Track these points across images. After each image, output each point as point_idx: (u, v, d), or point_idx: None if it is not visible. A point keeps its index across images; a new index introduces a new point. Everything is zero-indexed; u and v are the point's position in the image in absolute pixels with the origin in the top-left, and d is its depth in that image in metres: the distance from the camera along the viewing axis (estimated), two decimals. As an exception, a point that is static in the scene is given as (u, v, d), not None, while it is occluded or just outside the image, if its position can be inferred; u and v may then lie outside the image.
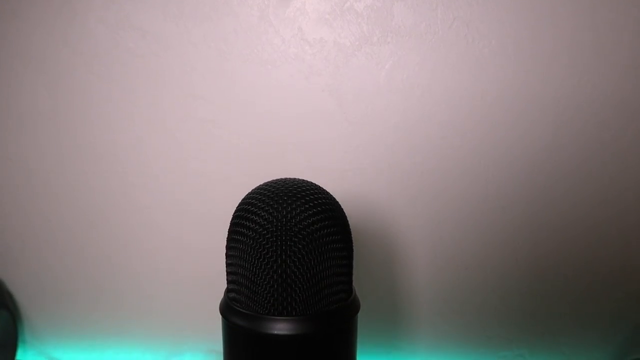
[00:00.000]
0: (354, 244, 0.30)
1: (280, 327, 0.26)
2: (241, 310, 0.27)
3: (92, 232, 0.58)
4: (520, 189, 0.54)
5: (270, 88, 0.53)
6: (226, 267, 0.29)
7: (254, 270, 0.26)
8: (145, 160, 0.56)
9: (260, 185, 0.29)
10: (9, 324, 0.57)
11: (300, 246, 0.26)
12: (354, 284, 0.31)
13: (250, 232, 0.27)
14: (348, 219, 0.31)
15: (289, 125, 0.54)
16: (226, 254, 0.29)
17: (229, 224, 0.28)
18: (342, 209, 0.29)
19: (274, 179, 0.29)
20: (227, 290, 0.30)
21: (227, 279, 0.29)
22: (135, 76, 0.54)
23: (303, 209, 0.27)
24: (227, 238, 0.29)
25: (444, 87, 0.52)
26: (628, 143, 0.52)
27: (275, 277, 0.26)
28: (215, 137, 0.54)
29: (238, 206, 0.28)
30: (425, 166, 0.53)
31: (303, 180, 0.29)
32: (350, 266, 0.30)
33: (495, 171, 0.53)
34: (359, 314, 0.30)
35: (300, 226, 0.26)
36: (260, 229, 0.26)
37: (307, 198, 0.27)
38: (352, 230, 0.30)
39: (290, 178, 0.29)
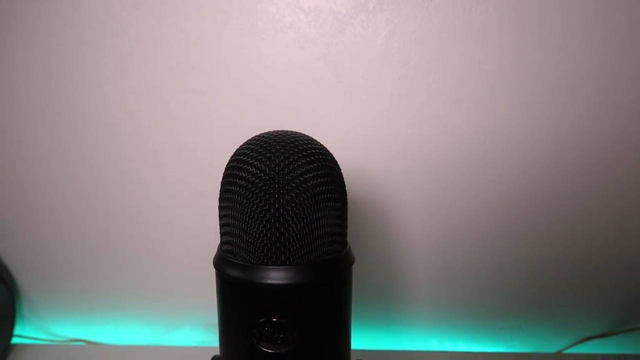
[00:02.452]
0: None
1: (274, 277, 0.26)
2: (235, 261, 0.27)
3: (88, 206, 0.58)
4: (518, 158, 0.53)
5: (265, 58, 0.52)
6: (219, 219, 0.29)
7: (247, 220, 0.26)
8: (142, 133, 0.55)
9: (253, 136, 0.28)
10: (6, 299, 0.57)
11: (293, 194, 0.26)
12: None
13: (243, 182, 0.26)
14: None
15: (284, 95, 0.53)
16: (219, 207, 0.29)
17: (222, 176, 0.28)
18: (335, 160, 0.29)
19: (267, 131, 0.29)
20: (221, 244, 0.29)
21: (220, 233, 0.29)
22: (129, 47, 0.53)
23: (296, 157, 0.26)
24: (220, 190, 0.28)
25: (441, 55, 0.51)
26: (627, 115, 0.51)
27: (268, 226, 0.26)
28: (210, 109, 0.54)
29: (231, 157, 0.28)
30: (422, 135, 0.53)
31: (296, 132, 0.29)
32: (344, 218, 0.29)
33: (493, 140, 0.53)
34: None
35: (294, 174, 0.26)
36: (253, 178, 0.26)
37: (300, 148, 0.27)
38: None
39: (282, 130, 0.29)
